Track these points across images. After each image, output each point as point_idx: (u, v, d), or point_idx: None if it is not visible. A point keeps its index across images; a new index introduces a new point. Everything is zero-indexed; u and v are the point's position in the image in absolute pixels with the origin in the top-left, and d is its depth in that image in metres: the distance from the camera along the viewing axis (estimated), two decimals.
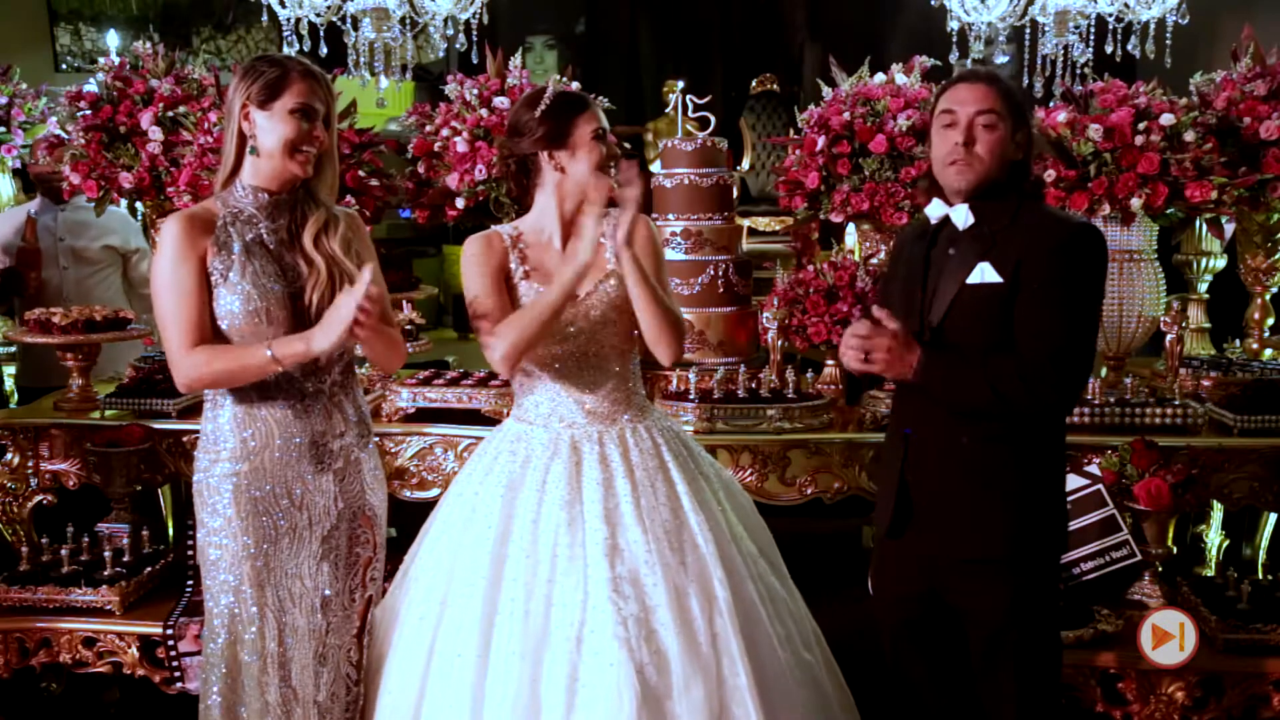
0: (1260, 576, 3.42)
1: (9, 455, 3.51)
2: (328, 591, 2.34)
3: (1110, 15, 5.03)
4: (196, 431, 3.35)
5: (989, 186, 2.20)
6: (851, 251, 4.42)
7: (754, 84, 8.03)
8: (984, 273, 2.17)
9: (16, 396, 4.54)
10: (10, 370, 4.73)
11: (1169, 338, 3.54)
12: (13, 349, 4.64)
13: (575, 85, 3.96)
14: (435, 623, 2.34)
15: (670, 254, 3.65)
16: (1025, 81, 5.39)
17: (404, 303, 3.92)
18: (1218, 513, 3.76)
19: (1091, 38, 5.14)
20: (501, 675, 2.23)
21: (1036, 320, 2.14)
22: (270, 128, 2.21)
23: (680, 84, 4.02)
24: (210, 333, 2.23)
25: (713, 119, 3.92)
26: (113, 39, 4.56)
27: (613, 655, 2.20)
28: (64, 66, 7.94)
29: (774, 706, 2.26)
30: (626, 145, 2.55)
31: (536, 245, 2.48)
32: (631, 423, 2.48)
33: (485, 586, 2.31)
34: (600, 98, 4.01)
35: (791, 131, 4.10)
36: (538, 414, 2.49)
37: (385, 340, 2.32)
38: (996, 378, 2.13)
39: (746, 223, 6.85)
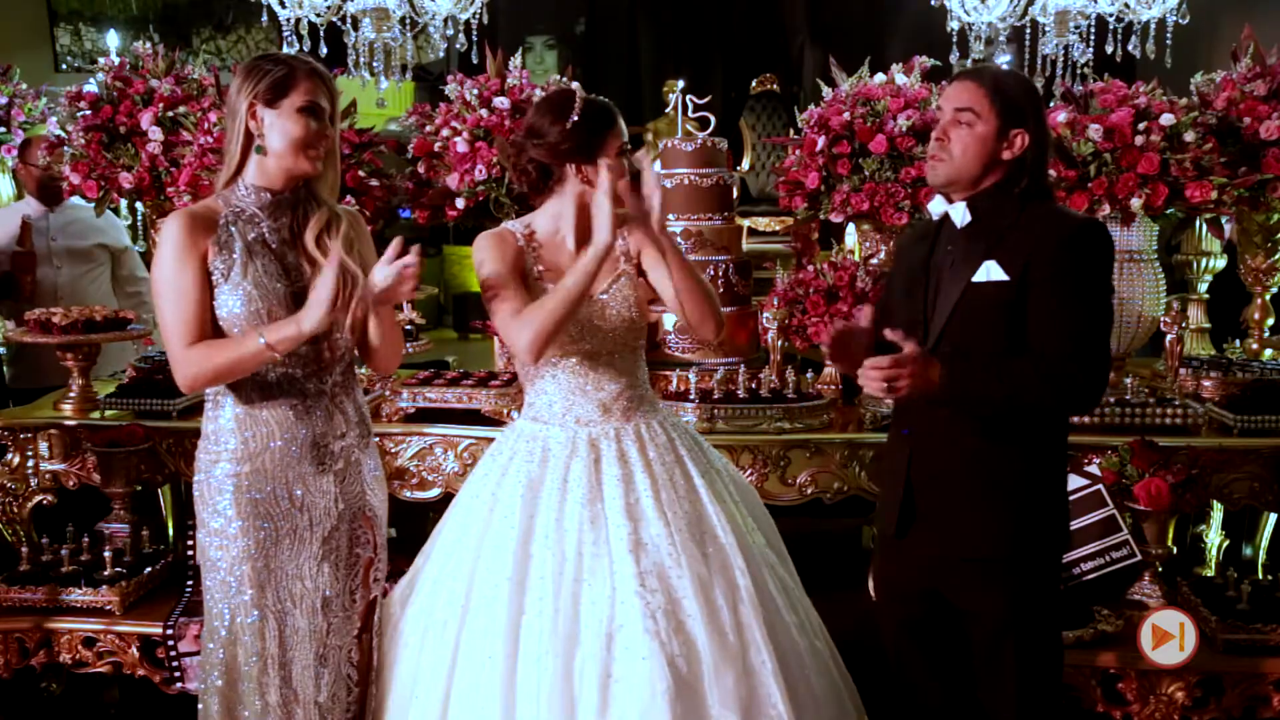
0: (1260, 576, 3.42)
1: (9, 455, 3.51)
2: (328, 592, 2.33)
3: (1110, 15, 5.03)
4: (197, 431, 3.36)
5: (982, 185, 2.19)
6: (851, 251, 4.42)
7: (754, 84, 8.03)
8: (990, 271, 2.16)
9: (10, 399, 4.53)
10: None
11: (1169, 338, 3.54)
12: (2, 351, 4.64)
13: (575, 85, 3.96)
14: (458, 628, 2.32)
15: None
16: None
17: (404, 303, 3.92)
18: (1218, 513, 3.75)
19: (1092, 38, 5.14)
20: (533, 676, 2.22)
21: (1051, 313, 2.12)
22: (278, 127, 2.20)
23: (680, 84, 4.02)
24: (210, 331, 2.22)
25: (713, 119, 3.93)
26: (113, 39, 4.55)
27: (644, 649, 2.20)
28: (64, 66, 7.95)
29: (797, 692, 2.28)
30: (628, 146, 2.54)
31: (550, 246, 2.48)
32: (645, 418, 2.49)
33: (510, 588, 2.30)
34: (601, 98, 4.02)
35: (791, 131, 4.10)
36: (552, 413, 2.48)
37: (389, 328, 2.34)
38: (1019, 389, 2.11)
39: (746, 223, 6.85)
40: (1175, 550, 3.24)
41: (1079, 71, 5.23)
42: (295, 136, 2.20)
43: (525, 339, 2.33)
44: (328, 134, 2.24)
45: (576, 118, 2.39)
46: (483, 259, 2.44)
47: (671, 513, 2.36)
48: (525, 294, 2.41)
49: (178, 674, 3.13)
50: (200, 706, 2.37)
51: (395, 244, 2.20)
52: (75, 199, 4.22)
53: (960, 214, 2.21)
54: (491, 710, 2.22)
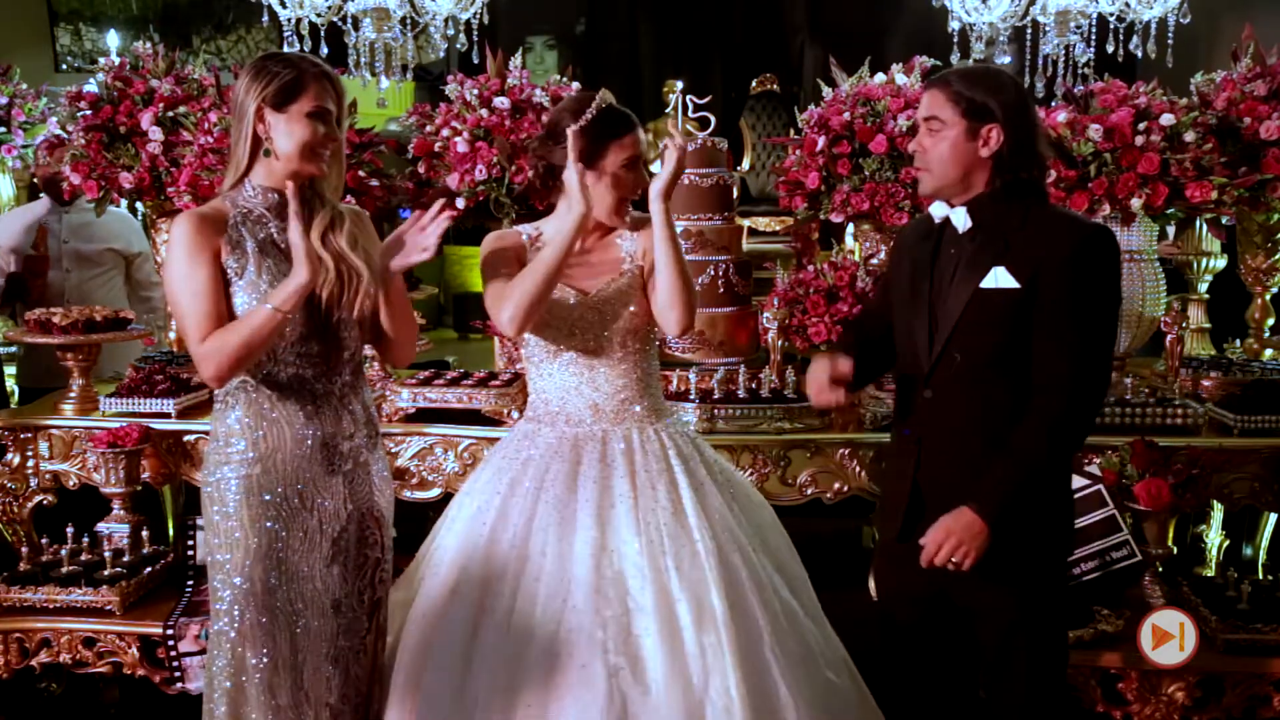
0: (1260, 576, 3.42)
1: (9, 455, 3.51)
2: (338, 594, 2.32)
3: (1111, 15, 5.03)
4: (196, 432, 3.39)
5: (984, 186, 2.19)
6: (851, 252, 4.42)
7: (754, 84, 8.02)
8: (999, 277, 2.16)
9: (17, 396, 4.54)
10: (10, 370, 4.73)
11: (1169, 338, 3.54)
12: (13, 349, 4.64)
13: (575, 85, 3.96)
14: (433, 621, 2.36)
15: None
16: (1027, 82, 5.38)
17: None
18: (1218, 513, 3.76)
19: (1093, 38, 5.14)
20: (483, 668, 2.24)
21: (1057, 335, 2.13)
22: (287, 131, 2.20)
23: (680, 84, 4.01)
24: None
25: (713, 119, 3.92)
26: (113, 39, 4.56)
27: (585, 656, 2.20)
28: (64, 66, 7.94)
29: None
30: (639, 159, 2.51)
31: None
32: (640, 424, 2.47)
33: (475, 584, 2.33)
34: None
35: (791, 131, 4.09)
36: (546, 411, 2.49)
37: (403, 311, 2.37)
38: (1040, 456, 2.16)
39: (746, 223, 6.84)
40: (1175, 550, 3.24)
41: (1080, 71, 5.23)
42: (303, 140, 2.20)
43: (506, 313, 2.35)
44: (335, 136, 2.25)
45: (585, 122, 2.38)
46: (486, 250, 2.48)
47: (646, 523, 2.33)
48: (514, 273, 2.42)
49: (178, 674, 3.13)
50: (206, 708, 2.36)
51: (414, 217, 2.31)
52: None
53: (961, 219, 2.21)
54: (443, 700, 2.24)
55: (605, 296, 2.44)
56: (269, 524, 2.27)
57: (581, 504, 2.35)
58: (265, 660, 2.28)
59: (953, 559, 2.13)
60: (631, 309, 2.45)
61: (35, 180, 4.69)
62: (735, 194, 4.05)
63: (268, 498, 2.27)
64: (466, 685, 2.25)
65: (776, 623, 2.32)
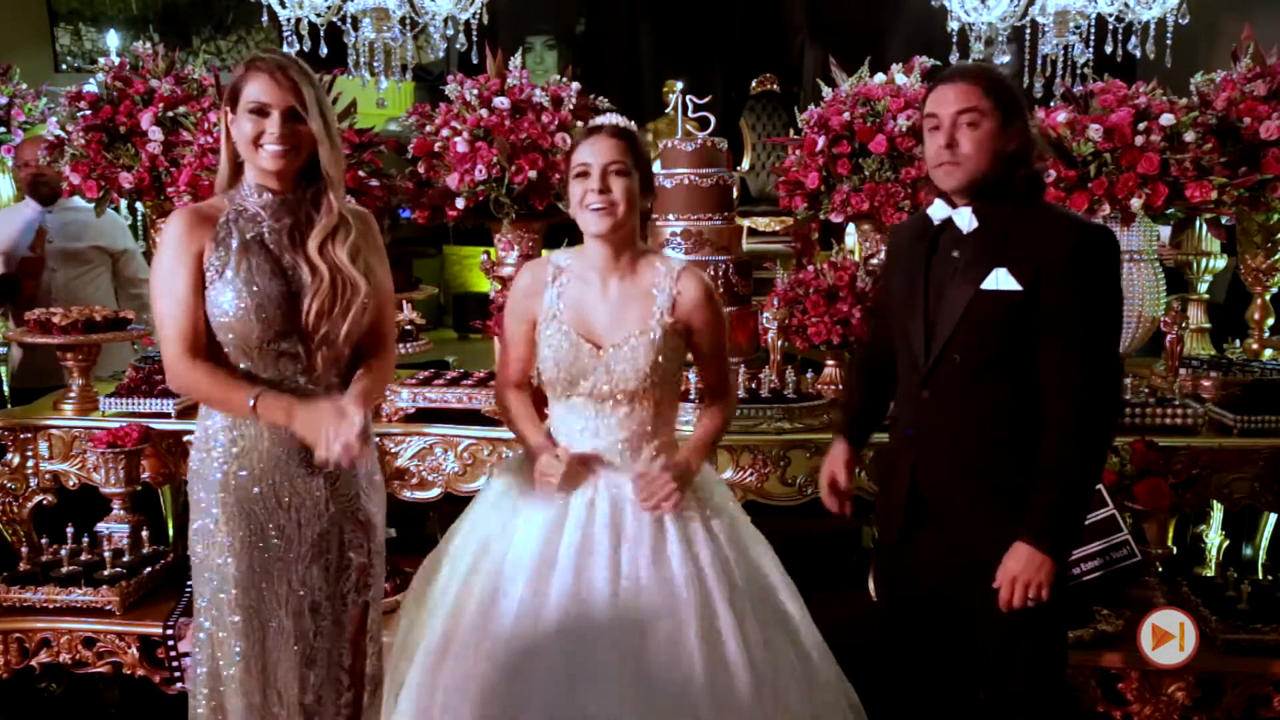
0: (1260, 576, 3.42)
1: (9, 455, 3.51)
2: (317, 595, 2.30)
3: (1110, 15, 5.03)
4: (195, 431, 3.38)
5: (990, 185, 2.17)
6: (851, 252, 4.42)
7: (754, 84, 8.02)
8: (1000, 279, 2.14)
9: (10, 398, 4.53)
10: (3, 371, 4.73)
11: (1169, 338, 3.54)
12: (3, 350, 4.64)
13: (575, 86, 3.96)
14: (428, 615, 2.40)
15: (671, 254, 3.65)
16: (1025, 82, 5.39)
17: (404, 303, 3.92)
18: (1218, 513, 3.76)
19: (1092, 38, 5.14)
20: (454, 670, 2.28)
21: (1066, 342, 2.12)
22: (237, 128, 2.21)
23: (680, 84, 4.01)
24: (205, 334, 2.20)
25: (713, 119, 3.92)
26: (113, 39, 4.56)
27: (545, 690, 2.20)
28: (64, 66, 7.94)
29: None
30: (588, 169, 2.40)
31: (579, 282, 2.37)
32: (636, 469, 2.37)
33: (456, 589, 2.36)
34: (600, 98, 3.99)
35: (791, 131, 4.10)
36: (554, 440, 2.44)
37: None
38: (1066, 471, 2.14)
39: (746, 223, 6.84)
40: (1175, 550, 3.24)
41: (1079, 72, 5.23)
42: (247, 136, 2.19)
43: (500, 406, 2.53)
44: (287, 132, 2.18)
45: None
46: (510, 294, 2.49)
47: (624, 575, 2.28)
48: (521, 349, 2.44)
49: (178, 674, 3.13)
50: (190, 705, 2.36)
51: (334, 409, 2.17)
52: (74, 199, 4.22)
53: (967, 219, 2.20)
54: (412, 693, 2.30)
55: (620, 355, 2.32)
56: (246, 522, 2.25)
57: (564, 547, 2.31)
58: (238, 659, 2.27)
59: (1030, 598, 2.14)
60: (647, 369, 2.32)
61: (22, 179, 4.67)
62: (735, 194, 4.05)
63: (246, 496, 2.25)
64: (437, 686, 2.30)
65: (756, 653, 2.28)
